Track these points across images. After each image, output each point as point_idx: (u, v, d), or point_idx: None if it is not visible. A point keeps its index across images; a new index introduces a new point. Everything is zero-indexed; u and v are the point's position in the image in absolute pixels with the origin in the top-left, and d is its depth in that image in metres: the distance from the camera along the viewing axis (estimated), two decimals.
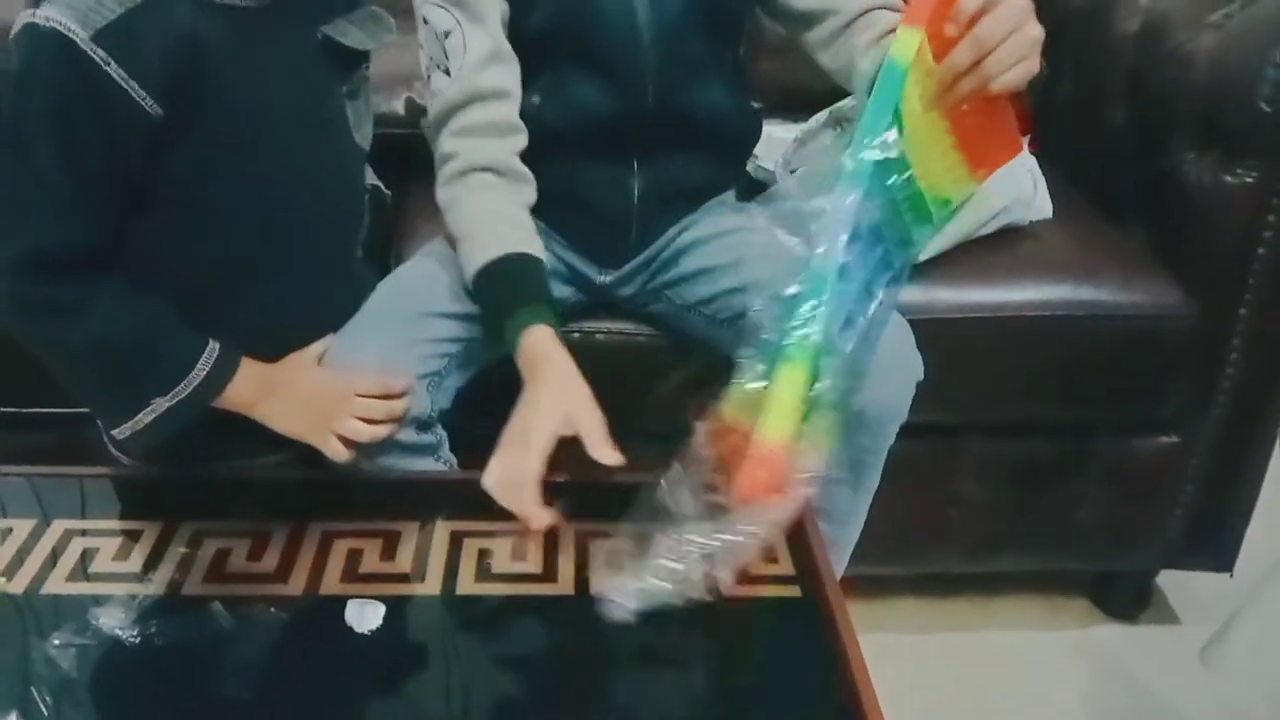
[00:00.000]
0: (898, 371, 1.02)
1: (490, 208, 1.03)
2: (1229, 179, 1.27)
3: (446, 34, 1.04)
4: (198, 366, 0.91)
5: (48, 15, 0.81)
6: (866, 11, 1.07)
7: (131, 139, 0.85)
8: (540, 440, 0.87)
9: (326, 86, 0.99)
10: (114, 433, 0.94)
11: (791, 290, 0.81)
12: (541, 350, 0.94)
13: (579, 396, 0.91)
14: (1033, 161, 1.38)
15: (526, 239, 1.02)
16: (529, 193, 1.06)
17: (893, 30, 1.02)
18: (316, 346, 1.01)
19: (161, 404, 0.91)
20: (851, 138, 0.83)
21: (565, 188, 1.10)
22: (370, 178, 1.10)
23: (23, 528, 0.89)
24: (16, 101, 0.83)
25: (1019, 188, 1.34)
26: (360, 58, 1.01)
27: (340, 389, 0.96)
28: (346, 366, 0.99)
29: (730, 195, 1.22)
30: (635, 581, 0.79)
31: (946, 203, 0.89)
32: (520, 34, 1.08)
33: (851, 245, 0.81)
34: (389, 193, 1.14)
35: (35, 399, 1.29)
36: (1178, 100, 1.32)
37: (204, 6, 0.87)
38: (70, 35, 0.80)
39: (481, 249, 1.00)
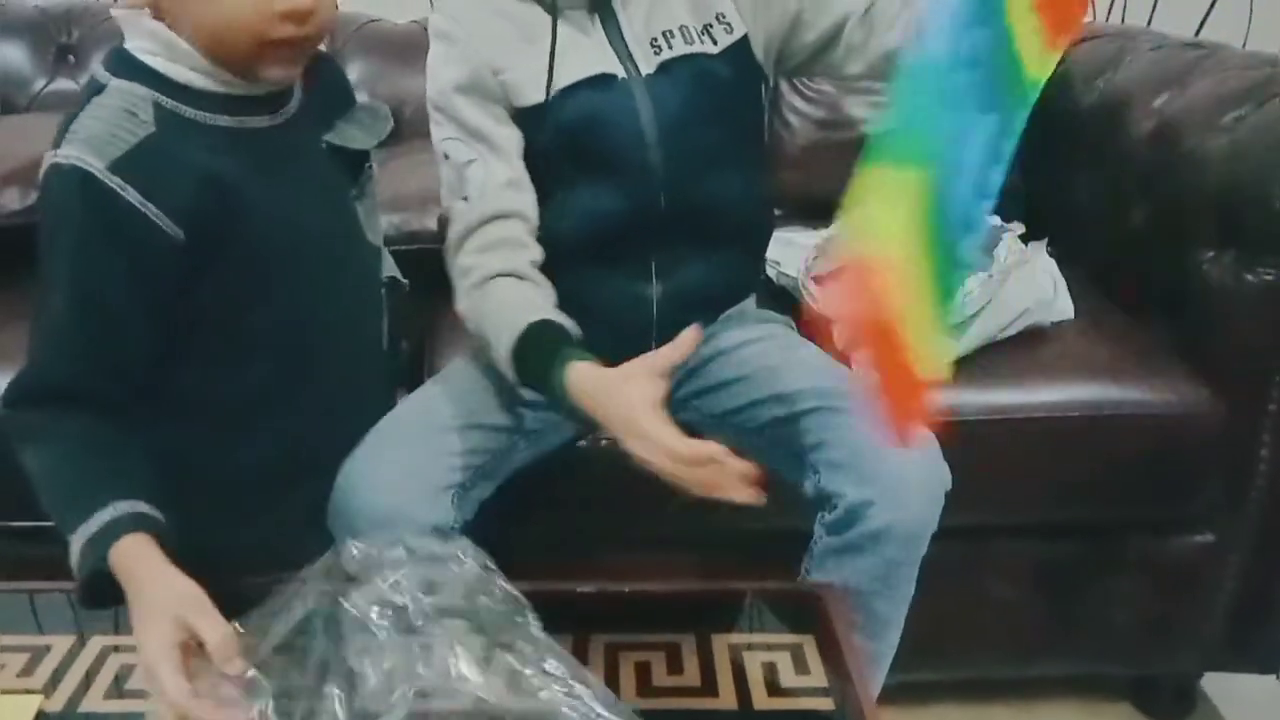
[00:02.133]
0: (926, 484, 1.02)
1: (511, 300, 1.05)
2: (1249, 278, 1.28)
3: (468, 163, 1.09)
4: (107, 508, 0.84)
5: (67, 154, 0.85)
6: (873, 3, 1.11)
7: (155, 265, 0.88)
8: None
9: (338, 192, 1.01)
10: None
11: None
12: (582, 385, 0.96)
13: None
14: (1052, 264, 1.39)
15: (551, 312, 1.04)
16: (548, 292, 1.08)
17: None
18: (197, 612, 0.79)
19: (75, 542, 0.84)
20: None
21: (583, 302, 1.13)
22: (389, 269, 1.12)
23: (61, 644, 0.90)
24: (46, 238, 0.87)
25: (1039, 290, 1.36)
26: (364, 157, 1.03)
27: (150, 656, 0.77)
28: (359, 490, 1.00)
29: (750, 303, 1.24)
30: None
31: (1034, 83, 0.83)
32: (529, 153, 1.11)
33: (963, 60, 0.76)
34: (406, 281, 1.16)
35: None
36: (1194, 202, 1.34)
37: (214, 133, 0.90)
38: (88, 168, 0.84)
39: (509, 332, 1.01)
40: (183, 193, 0.87)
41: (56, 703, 0.84)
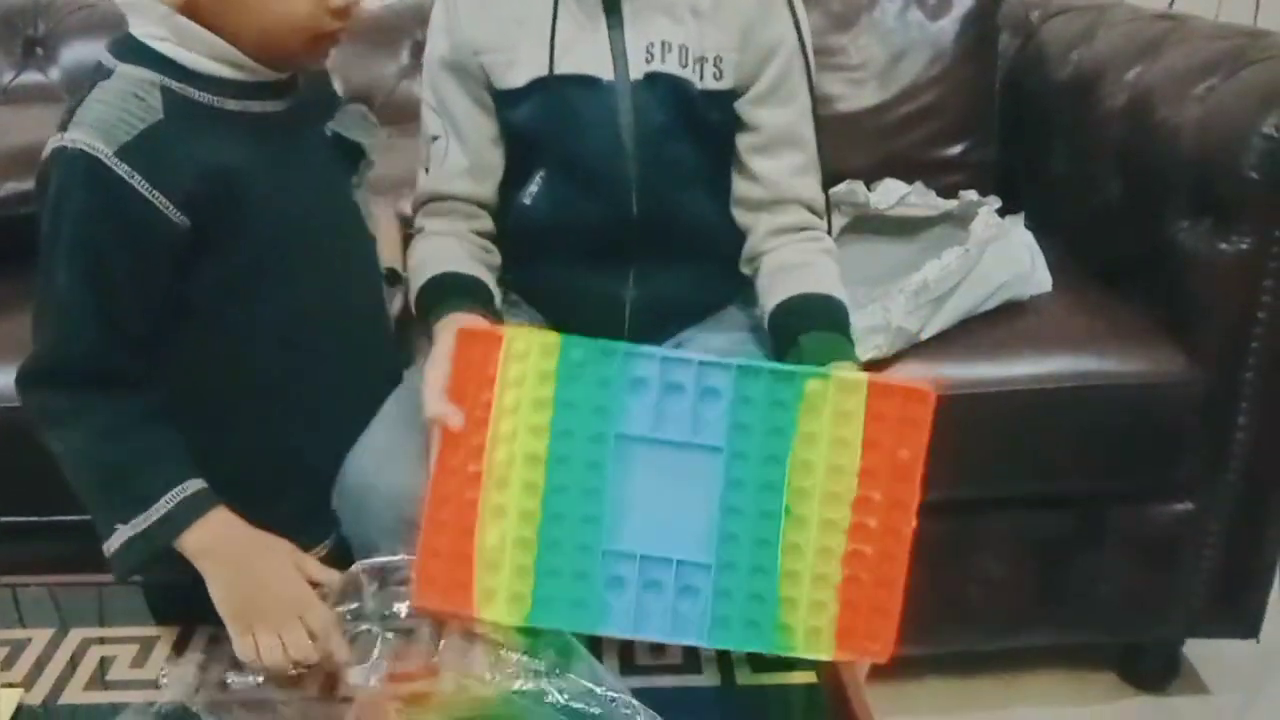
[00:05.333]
0: None
1: (433, 255, 1.09)
2: (1224, 246, 1.28)
3: (433, 138, 1.11)
4: (160, 502, 0.87)
5: (74, 137, 0.84)
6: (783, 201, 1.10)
7: (159, 251, 0.87)
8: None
9: (340, 181, 1.01)
10: (104, 549, 0.90)
11: None
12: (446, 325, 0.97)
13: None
14: (1029, 236, 1.40)
15: (475, 268, 1.08)
16: (491, 258, 1.13)
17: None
18: (302, 559, 0.91)
19: (124, 532, 0.87)
20: None
21: (558, 296, 1.12)
22: (385, 260, 1.12)
23: (41, 637, 0.90)
24: (49, 221, 0.86)
25: (1017, 263, 1.36)
26: (360, 151, 1.03)
27: (300, 597, 0.87)
28: (370, 470, 0.99)
29: (730, 311, 1.19)
30: None
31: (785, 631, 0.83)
32: (509, 128, 1.10)
33: None
34: (405, 274, 1.15)
35: (50, 508, 1.30)
36: (1168, 172, 1.34)
37: (224, 117, 0.90)
38: (95, 154, 0.83)
39: (431, 270, 1.06)
40: (189, 180, 0.86)
41: (37, 696, 0.84)
